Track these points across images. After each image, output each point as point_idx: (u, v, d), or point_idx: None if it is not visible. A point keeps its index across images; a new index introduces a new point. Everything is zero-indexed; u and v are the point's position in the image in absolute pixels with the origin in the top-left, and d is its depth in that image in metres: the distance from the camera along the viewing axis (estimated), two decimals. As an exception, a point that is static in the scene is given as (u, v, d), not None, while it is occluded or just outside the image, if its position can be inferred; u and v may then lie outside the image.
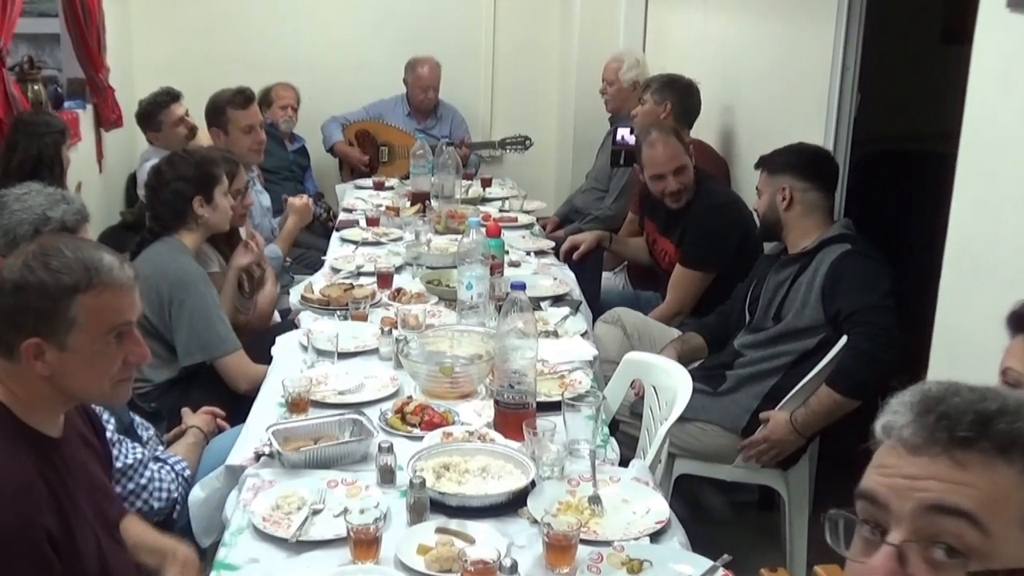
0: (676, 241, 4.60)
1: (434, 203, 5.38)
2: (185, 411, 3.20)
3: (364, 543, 2.18)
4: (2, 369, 2.03)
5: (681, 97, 5.19)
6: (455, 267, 3.83)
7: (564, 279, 4.34)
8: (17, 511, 1.89)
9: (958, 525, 1.11)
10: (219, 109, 5.00)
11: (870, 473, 1.21)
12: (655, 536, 2.35)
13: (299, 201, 4.91)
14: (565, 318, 3.79)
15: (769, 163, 3.80)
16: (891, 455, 1.19)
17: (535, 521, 2.33)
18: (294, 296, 4.08)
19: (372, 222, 5.15)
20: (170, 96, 5.46)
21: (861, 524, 1.20)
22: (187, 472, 2.84)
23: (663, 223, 4.71)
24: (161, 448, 2.96)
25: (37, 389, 2.03)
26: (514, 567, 2.06)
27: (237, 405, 3.25)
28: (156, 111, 5.44)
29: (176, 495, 2.76)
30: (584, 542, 2.23)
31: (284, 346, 3.51)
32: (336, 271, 4.38)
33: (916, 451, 1.16)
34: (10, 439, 1.98)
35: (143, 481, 2.69)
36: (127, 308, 2.10)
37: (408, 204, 5.40)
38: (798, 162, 3.72)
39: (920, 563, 1.12)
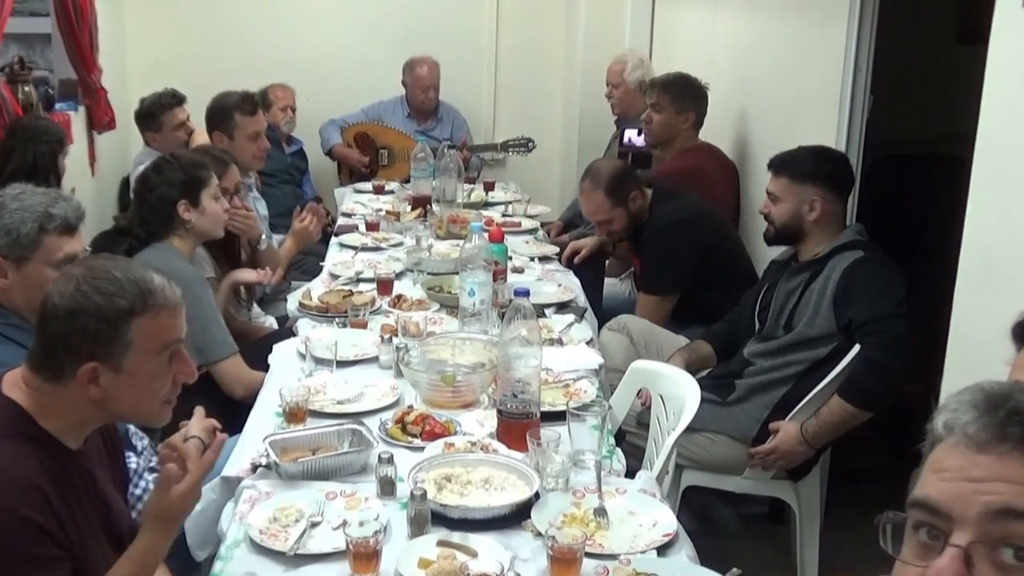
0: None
1: (435, 207, 5.38)
2: (197, 413, 3.19)
3: (364, 557, 2.18)
4: (39, 386, 2.06)
5: (699, 105, 5.22)
6: (457, 273, 3.84)
7: (569, 285, 4.35)
8: (18, 506, 1.91)
9: None
10: (226, 114, 4.99)
11: (928, 478, 1.18)
12: (662, 549, 2.35)
13: (299, 223, 4.82)
14: (570, 325, 3.79)
15: (792, 168, 3.69)
16: (953, 455, 1.15)
17: (539, 534, 2.33)
18: (292, 303, 4.08)
19: (372, 227, 5.15)
20: (175, 99, 5.48)
21: (916, 529, 1.17)
22: (183, 483, 2.84)
23: (635, 243, 4.76)
24: (155, 459, 2.96)
25: (79, 409, 2.08)
26: (518, 581, 2.07)
27: (233, 415, 3.24)
28: (159, 112, 5.46)
29: (171, 506, 2.76)
30: (589, 555, 2.23)
31: (281, 354, 3.51)
32: (335, 277, 4.38)
33: (983, 448, 1.13)
34: (24, 443, 2.02)
35: (138, 492, 2.70)
36: (178, 326, 2.17)
37: (409, 208, 5.41)
38: (828, 172, 3.66)
39: (987, 566, 1.10)
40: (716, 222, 4.63)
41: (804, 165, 3.69)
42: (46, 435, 2.06)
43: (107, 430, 2.33)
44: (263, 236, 4.51)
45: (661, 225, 4.51)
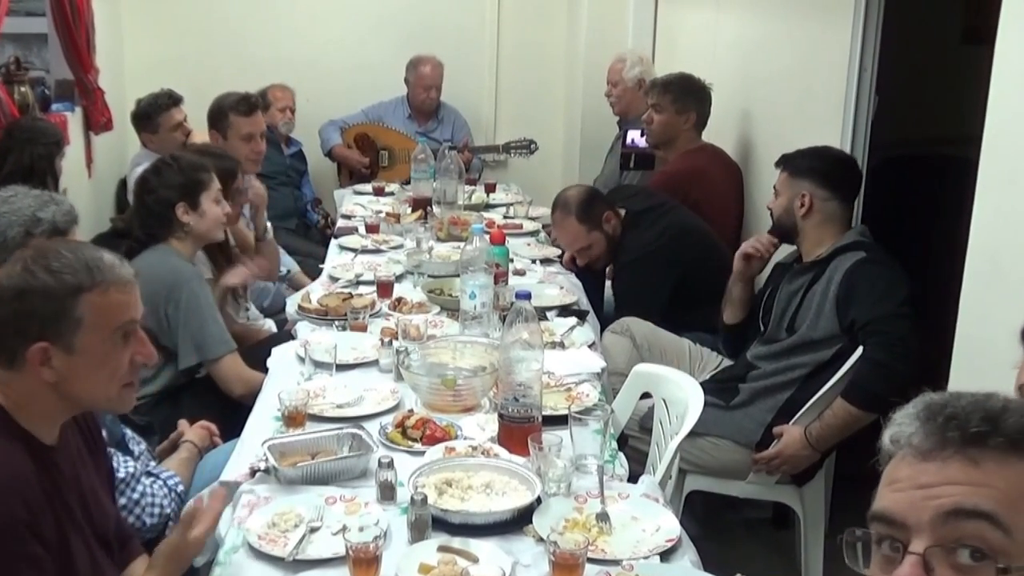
0: None
1: (436, 209, 5.38)
2: (182, 423, 3.21)
3: (363, 562, 2.18)
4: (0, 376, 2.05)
5: (701, 105, 5.21)
6: (458, 276, 3.85)
7: (571, 288, 4.35)
8: (10, 503, 1.91)
9: (979, 527, 1.13)
10: (221, 113, 5.00)
11: (882, 492, 1.23)
12: (665, 555, 2.35)
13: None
14: (572, 328, 3.79)
15: (791, 164, 3.77)
16: (902, 466, 1.21)
17: (541, 539, 2.33)
18: (291, 305, 4.09)
19: (372, 229, 5.16)
20: (171, 99, 5.49)
21: (879, 543, 1.21)
22: (180, 487, 2.85)
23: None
24: (153, 463, 2.97)
25: (39, 397, 2.06)
26: (519, 587, 2.06)
27: (231, 419, 3.25)
28: (155, 113, 5.46)
29: (169, 511, 2.76)
30: (591, 561, 2.23)
31: (280, 358, 3.51)
32: (334, 280, 4.39)
33: (928, 456, 1.18)
34: (6, 439, 2.01)
35: (135, 496, 2.70)
36: (132, 305, 2.15)
37: (409, 210, 5.41)
38: (822, 169, 3.69)
39: (946, 569, 1.14)
40: (691, 242, 4.53)
41: (802, 161, 3.76)
42: (21, 430, 2.05)
43: (86, 425, 2.32)
44: (268, 226, 4.52)
45: (627, 260, 4.52)
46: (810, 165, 3.72)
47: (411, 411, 3.00)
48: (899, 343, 3.28)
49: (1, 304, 2.04)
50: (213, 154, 4.17)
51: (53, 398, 2.08)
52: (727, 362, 4.08)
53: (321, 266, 4.71)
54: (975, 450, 1.16)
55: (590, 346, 3.68)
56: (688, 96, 5.20)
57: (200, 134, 5.34)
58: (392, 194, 6.10)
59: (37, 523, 1.96)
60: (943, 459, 1.17)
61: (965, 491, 1.14)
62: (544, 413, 2.84)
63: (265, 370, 3.46)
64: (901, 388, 3.26)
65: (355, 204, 5.98)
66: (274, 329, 4.38)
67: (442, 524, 2.40)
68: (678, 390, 3.16)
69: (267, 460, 2.64)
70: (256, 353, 3.70)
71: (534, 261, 4.78)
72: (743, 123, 5.36)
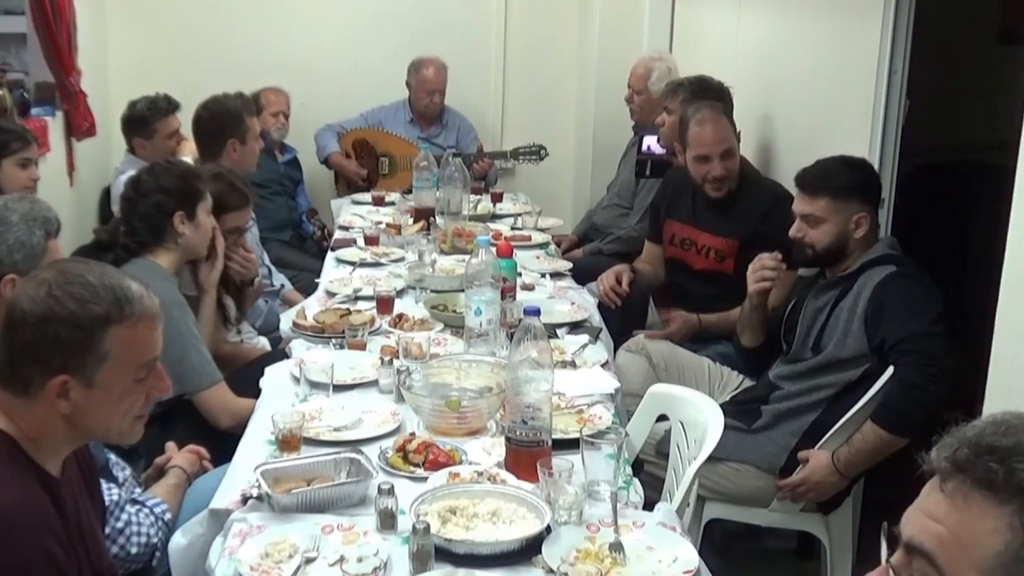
0: (735, 233, 4.57)
1: (439, 220, 5.39)
2: (170, 446, 3.21)
3: (362, 594, 2.19)
4: (10, 404, 2.07)
5: None
6: (462, 291, 3.85)
7: (582, 304, 4.35)
8: (34, 544, 1.93)
9: (922, 565, 1.25)
10: (237, 118, 4.99)
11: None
12: (683, 587, 2.36)
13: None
14: (584, 347, 3.80)
15: (834, 185, 3.62)
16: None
17: (551, 570, 2.34)
18: (285, 322, 4.09)
19: (371, 241, 5.17)
20: (170, 105, 5.50)
21: None
22: (167, 516, 2.86)
23: (701, 216, 4.71)
24: (138, 489, 2.97)
25: (50, 427, 2.08)
26: (527, 621, 2.07)
27: (222, 443, 3.26)
28: (153, 118, 5.46)
29: (156, 540, 2.77)
30: (604, 593, 2.24)
31: (274, 378, 3.52)
32: (331, 295, 4.40)
33: (942, 481, 1.29)
34: (23, 473, 2.03)
35: (119, 525, 2.71)
36: (157, 341, 2.17)
37: (411, 221, 5.42)
38: (863, 182, 3.65)
39: None
40: None
41: (841, 179, 3.64)
42: (33, 463, 2.07)
43: (82, 457, 2.33)
44: (258, 278, 4.51)
45: (781, 193, 4.28)
46: (850, 182, 3.62)
47: (413, 434, 3.00)
48: (932, 363, 3.28)
49: (22, 329, 2.04)
50: (229, 180, 4.15)
51: (64, 429, 2.10)
52: (748, 382, 4.09)
53: (317, 280, 4.72)
54: (950, 484, 1.25)
55: (603, 365, 3.68)
56: (698, 99, 5.18)
57: (191, 143, 5.34)
58: (393, 204, 6.09)
59: (68, 560, 1.98)
60: (942, 487, 1.27)
61: (923, 525, 1.27)
62: (554, 437, 2.84)
63: (257, 391, 3.47)
64: (935, 410, 3.29)
65: (353, 215, 6.00)
66: (268, 347, 4.39)
67: (446, 555, 2.40)
68: (696, 412, 3.17)
69: (260, 486, 2.64)
70: (248, 373, 3.70)
71: (543, 275, 4.78)
72: (764, 128, 5.37)
